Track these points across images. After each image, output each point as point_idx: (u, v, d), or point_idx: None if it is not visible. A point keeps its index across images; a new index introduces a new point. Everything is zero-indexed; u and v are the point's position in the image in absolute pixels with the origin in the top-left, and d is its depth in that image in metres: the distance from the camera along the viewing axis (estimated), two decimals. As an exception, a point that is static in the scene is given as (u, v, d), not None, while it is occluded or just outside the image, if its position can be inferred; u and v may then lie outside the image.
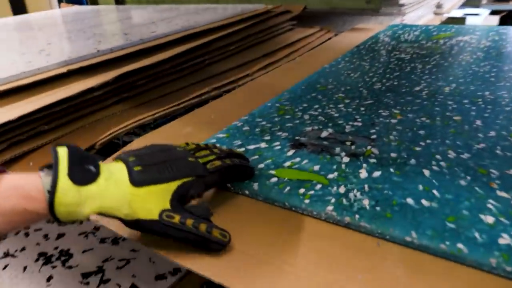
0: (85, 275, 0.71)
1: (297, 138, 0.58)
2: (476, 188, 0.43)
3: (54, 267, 0.73)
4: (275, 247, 0.40)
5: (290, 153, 0.54)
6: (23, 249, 0.79)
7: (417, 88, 0.73)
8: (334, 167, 0.50)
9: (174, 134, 0.66)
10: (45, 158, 0.61)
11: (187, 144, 0.46)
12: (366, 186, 0.45)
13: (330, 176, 0.48)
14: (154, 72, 0.84)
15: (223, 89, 0.88)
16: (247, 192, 0.47)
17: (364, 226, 0.40)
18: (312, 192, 0.45)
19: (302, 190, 0.46)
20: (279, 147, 0.56)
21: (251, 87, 0.88)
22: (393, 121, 0.61)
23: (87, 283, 0.69)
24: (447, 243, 0.36)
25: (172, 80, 0.88)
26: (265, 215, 0.44)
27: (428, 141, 0.54)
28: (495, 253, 0.35)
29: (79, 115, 0.72)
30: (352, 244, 0.39)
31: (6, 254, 0.78)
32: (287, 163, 0.51)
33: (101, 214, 0.37)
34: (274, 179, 0.48)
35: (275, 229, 0.42)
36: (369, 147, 0.54)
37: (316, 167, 0.50)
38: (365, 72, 0.86)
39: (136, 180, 0.37)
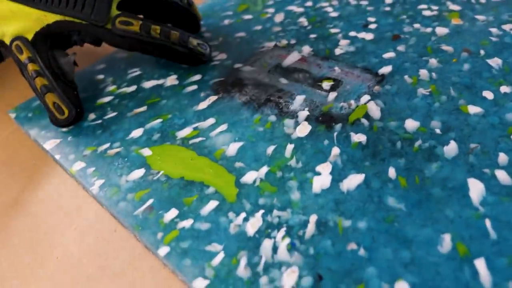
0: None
1: (237, 66, 0.31)
2: None
3: None
4: None
5: (205, 103, 0.28)
6: None
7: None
8: (270, 150, 0.23)
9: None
10: None
11: None
12: (311, 224, 0.19)
13: (250, 176, 0.22)
14: None
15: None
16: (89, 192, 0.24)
17: None
18: (188, 222, 0.20)
19: (171, 215, 0.21)
20: (193, 87, 0.29)
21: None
22: (442, 30, 0.30)
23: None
24: None
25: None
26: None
27: (504, 88, 0.24)
28: None
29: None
30: None
31: None
32: (185, 131, 0.26)
33: None
34: (138, 173, 0.23)
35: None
36: (364, 98, 0.25)
37: (235, 147, 0.24)
38: None
39: None
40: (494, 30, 0.29)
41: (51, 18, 0.28)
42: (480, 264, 0.16)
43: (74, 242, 0.22)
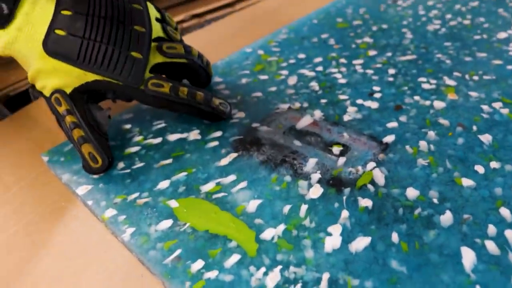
0: None
1: (254, 125, 0.34)
2: None
3: None
4: None
5: (226, 160, 0.31)
6: None
7: (502, 35, 0.42)
8: (286, 209, 0.26)
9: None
10: None
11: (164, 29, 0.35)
12: (324, 281, 0.22)
13: (268, 233, 0.25)
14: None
15: (206, 17, 0.62)
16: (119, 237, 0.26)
17: None
18: (213, 273, 0.23)
19: (198, 265, 0.23)
20: (215, 143, 0.33)
21: (245, 16, 0.61)
22: (438, 104, 0.34)
23: None
24: None
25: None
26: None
27: (494, 163, 0.27)
28: None
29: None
30: None
31: None
32: (209, 185, 0.28)
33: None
34: (166, 224, 0.26)
35: None
36: (370, 165, 0.28)
37: (254, 204, 0.27)
38: (423, -2, 0.54)
39: (50, 49, 0.30)
40: (485, 107, 0.33)
41: (90, 77, 0.31)
42: (472, 327, 0.19)
43: (102, 285, 0.24)
